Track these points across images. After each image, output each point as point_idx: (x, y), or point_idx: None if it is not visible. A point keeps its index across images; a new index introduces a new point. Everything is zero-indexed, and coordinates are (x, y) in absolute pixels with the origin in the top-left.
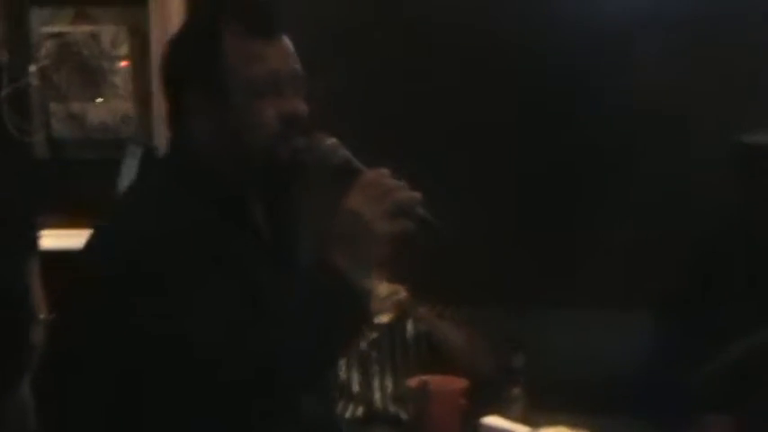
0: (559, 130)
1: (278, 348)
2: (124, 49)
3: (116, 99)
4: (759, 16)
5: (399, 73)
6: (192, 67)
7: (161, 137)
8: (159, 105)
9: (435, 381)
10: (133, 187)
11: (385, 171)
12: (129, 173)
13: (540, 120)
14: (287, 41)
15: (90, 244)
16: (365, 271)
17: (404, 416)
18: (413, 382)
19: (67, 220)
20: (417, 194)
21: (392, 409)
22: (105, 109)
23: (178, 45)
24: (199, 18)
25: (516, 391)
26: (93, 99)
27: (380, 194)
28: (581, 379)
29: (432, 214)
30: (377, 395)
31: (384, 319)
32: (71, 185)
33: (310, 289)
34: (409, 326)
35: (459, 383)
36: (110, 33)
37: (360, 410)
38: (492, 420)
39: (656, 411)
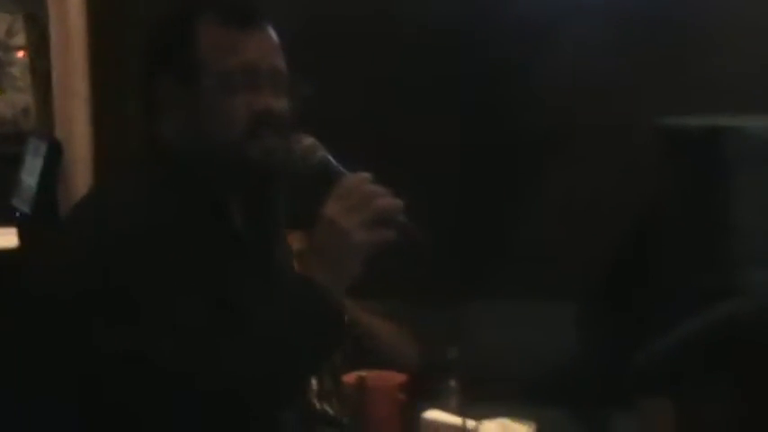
0: (485, 118)
1: (251, 363)
2: (20, 39)
3: (14, 91)
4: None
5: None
6: (165, 55)
7: (63, 129)
8: (61, 97)
9: (372, 376)
10: (102, 186)
11: (365, 176)
12: (31, 168)
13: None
14: (270, 33)
15: (59, 244)
16: (344, 284)
17: (332, 412)
18: (349, 378)
19: None
20: (399, 202)
21: (320, 406)
22: (3, 102)
23: (152, 32)
24: (174, 5)
25: (452, 384)
26: None
27: (360, 202)
28: (518, 370)
29: (413, 222)
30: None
31: None
32: None
33: (286, 302)
34: None
35: (398, 378)
36: (4, 22)
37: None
38: (433, 414)
39: (592, 400)
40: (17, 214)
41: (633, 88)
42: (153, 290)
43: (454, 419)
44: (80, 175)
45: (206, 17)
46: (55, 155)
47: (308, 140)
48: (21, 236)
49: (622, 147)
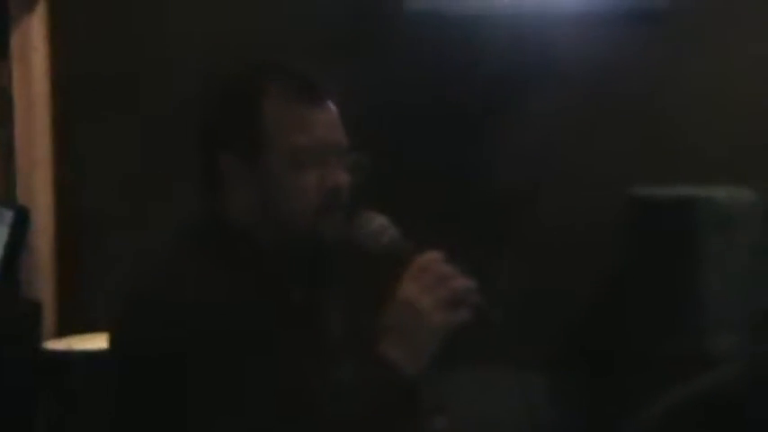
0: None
1: None
2: None
3: None
4: (654, 70)
5: None
6: (230, 130)
7: (26, 198)
8: (23, 166)
9: None
10: (157, 259)
11: (437, 255)
12: None
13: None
14: (332, 109)
15: (115, 322)
16: (420, 365)
17: None
18: None
19: None
20: (472, 282)
21: None
22: None
23: (215, 106)
24: (239, 79)
25: None
26: None
27: (435, 282)
28: None
29: (486, 301)
30: None
31: None
32: None
33: (359, 383)
34: None
35: None
36: None
37: None
38: None
39: None
40: None
41: (604, 158)
42: (218, 368)
43: None
44: (43, 245)
45: (272, 93)
46: (23, 222)
47: (379, 219)
48: None
49: (594, 215)
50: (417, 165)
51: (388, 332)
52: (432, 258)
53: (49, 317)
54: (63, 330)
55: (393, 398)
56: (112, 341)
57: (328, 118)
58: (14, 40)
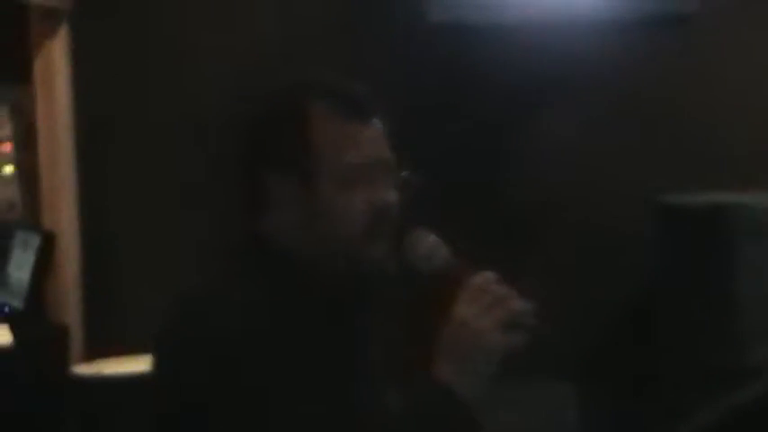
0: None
1: None
2: (6, 131)
3: None
4: (680, 77)
5: None
6: (276, 151)
7: (50, 222)
8: (47, 189)
9: None
10: (205, 284)
11: (492, 276)
12: (21, 262)
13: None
14: (379, 125)
15: (162, 351)
16: (477, 388)
17: None
18: None
19: None
20: (528, 303)
21: None
22: None
23: (259, 127)
24: (284, 98)
25: None
26: None
27: (492, 304)
28: None
29: (542, 323)
30: None
31: None
32: None
33: (415, 407)
34: None
35: None
36: None
37: None
38: None
39: None
40: (5, 309)
41: (633, 165)
42: (269, 390)
43: None
44: (69, 269)
45: (320, 110)
46: (49, 247)
47: (431, 238)
48: (14, 332)
49: (623, 224)
50: (446, 178)
51: (444, 355)
52: (488, 279)
53: (76, 341)
54: (91, 355)
55: (450, 423)
56: (156, 377)
57: (376, 135)
58: (37, 64)
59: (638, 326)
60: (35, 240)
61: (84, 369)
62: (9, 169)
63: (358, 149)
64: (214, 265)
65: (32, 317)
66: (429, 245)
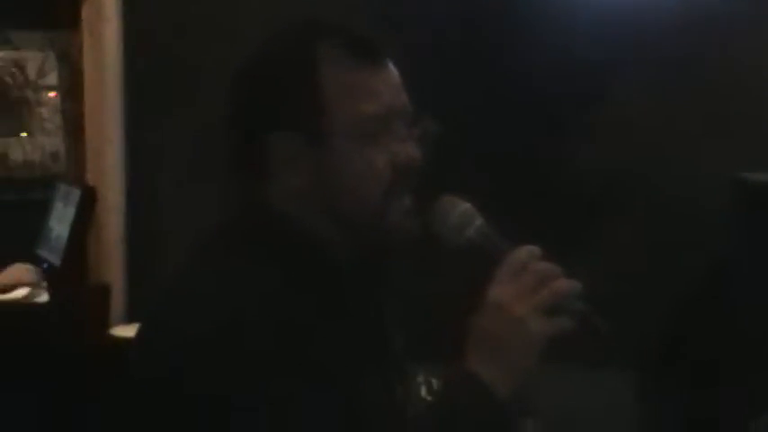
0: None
1: None
2: (52, 79)
3: (43, 134)
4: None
5: None
6: (283, 104)
7: (95, 176)
8: (93, 141)
9: None
10: (189, 262)
11: (536, 250)
12: (61, 216)
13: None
14: (394, 70)
15: (140, 344)
16: (515, 382)
17: None
18: None
19: None
20: (577, 284)
21: None
22: (30, 144)
23: (258, 77)
24: (285, 42)
25: None
26: (16, 133)
27: (535, 284)
28: None
29: (592, 308)
30: None
31: None
32: None
33: (443, 399)
34: None
35: None
36: (36, 61)
37: None
38: None
39: None
40: (44, 265)
41: (712, 141)
42: (270, 386)
43: None
44: (112, 226)
45: (328, 56)
46: (89, 202)
47: (464, 206)
48: (51, 290)
49: (698, 202)
50: (500, 152)
51: (476, 344)
52: (529, 254)
53: (117, 301)
54: (133, 316)
55: (481, 419)
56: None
57: (393, 81)
58: (85, 10)
59: (710, 311)
60: (76, 195)
61: (124, 331)
62: (55, 119)
63: (374, 98)
64: (208, 244)
65: (71, 275)
66: (461, 214)
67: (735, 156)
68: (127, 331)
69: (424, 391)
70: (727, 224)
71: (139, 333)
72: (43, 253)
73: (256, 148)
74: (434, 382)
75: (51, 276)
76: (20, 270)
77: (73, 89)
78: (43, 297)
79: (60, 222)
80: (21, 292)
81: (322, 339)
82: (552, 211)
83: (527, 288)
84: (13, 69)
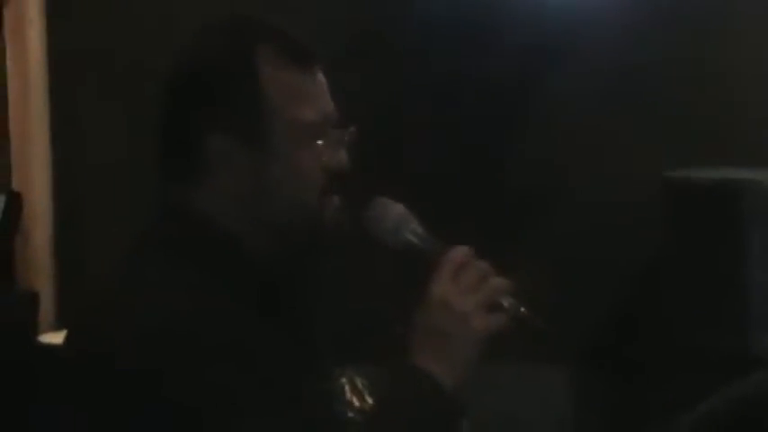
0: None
1: None
2: None
3: None
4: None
5: None
6: (220, 106)
7: (21, 181)
8: (18, 146)
9: None
10: (117, 268)
11: (469, 250)
12: None
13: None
14: (323, 76)
15: (69, 348)
16: (461, 375)
17: None
18: None
19: None
20: (510, 282)
21: None
22: None
23: (194, 78)
24: (224, 44)
25: None
26: None
27: (475, 282)
28: None
29: (522, 305)
30: None
31: None
32: None
33: (391, 394)
34: None
35: None
36: None
37: None
38: None
39: None
40: None
41: (639, 138)
42: (202, 399)
43: None
44: (39, 231)
45: (267, 58)
46: (15, 208)
47: (398, 208)
48: None
49: (627, 200)
50: (431, 149)
51: (423, 338)
52: (466, 253)
53: (46, 308)
54: (62, 323)
55: (430, 412)
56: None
57: (323, 87)
58: (8, 13)
59: (639, 308)
60: (1, 201)
61: (54, 339)
62: None
63: (311, 103)
64: (135, 251)
65: None
66: (396, 216)
67: (664, 154)
68: (56, 338)
69: (348, 391)
70: (658, 223)
71: (70, 340)
72: None
73: (189, 149)
74: (359, 381)
75: None
76: None
77: None
78: None
79: None
80: None
81: (249, 339)
82: (482, 208)
83: (469, 285)
84: None
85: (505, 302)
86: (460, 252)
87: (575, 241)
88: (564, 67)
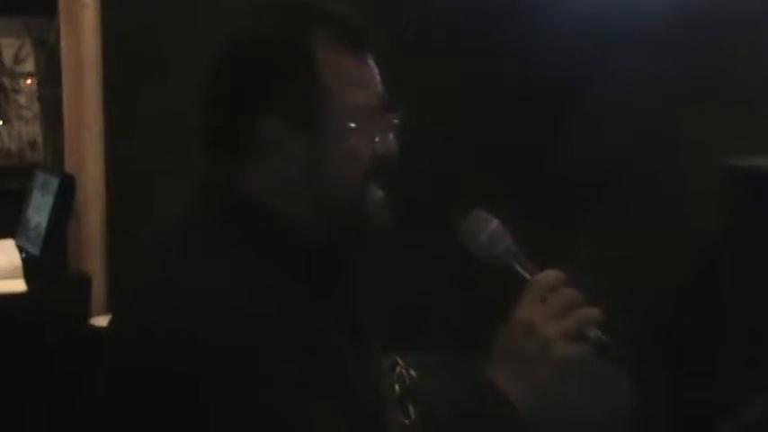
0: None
1: None
2: (29, 65)
3: (20, 122)
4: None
5: None
6: (274, 90)
7: (73, 164)
8: (71, 129)
9: None
10: (163, 253)
11: (561, 275)
12: (40, 205)
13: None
14: (374, 61)
15: (115, 335)
16: (534, 400)
17: None
18: None
19: None
20: (599, 313)
21: None
22: (7, 133)
23: (249, 61)
24: (281, 27)
25: None
26: None
27: (564, 308)
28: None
29: (611, 337)
30: None
31: None
32: None
33: (466, 414)
34: None
35: None
36: (12, 47)
37: None
38: None
39: None
40: (23, 255)
41: (703, 128)
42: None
43: None
44: (92, 214)
45: (325, 43)
46: (67, 191)
47: (494, 223)
48: (29, 280)
49: (689, 189)
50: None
51: (503, 358)
52: (556, 278)
53: (98, 291)
54: (113, 307)
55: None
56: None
57: (376, 71)
58: None
59: (702, 300)
60: (54, 184)
61: (105, 322)
62: (32, 107)
63: (364, 88)
64: (179, 230)
65: (50, 265)
66: (492, 231)
67: (726, 142)
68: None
69: (395, 376)
70: (720, 211)
71: (118, 322)
72: (22, 243)
73: (241, 132)
74: (404, 367)
75: (29, 267)
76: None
77: (50, 76)
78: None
79: (39, 212)
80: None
81: (307, 319)
82: (546, 204)
83: (556, 311)
84: None
85: (591, 333)
86: (552, 276)
87: (639, 233)
88: (624, 57)
